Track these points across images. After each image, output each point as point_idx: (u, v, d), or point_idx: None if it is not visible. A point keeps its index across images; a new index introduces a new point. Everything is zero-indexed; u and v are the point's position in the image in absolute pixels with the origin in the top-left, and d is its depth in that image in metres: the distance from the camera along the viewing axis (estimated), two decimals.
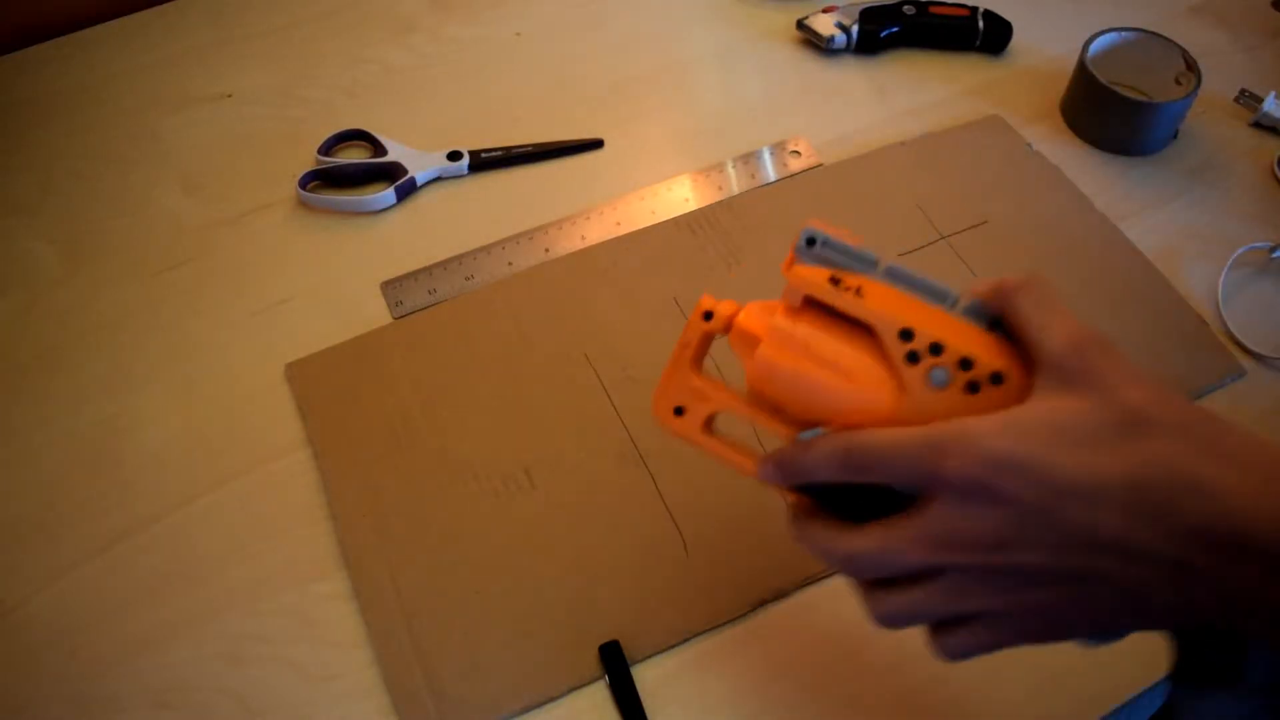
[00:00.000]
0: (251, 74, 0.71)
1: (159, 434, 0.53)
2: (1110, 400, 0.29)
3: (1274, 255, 0.60)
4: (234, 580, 0.48)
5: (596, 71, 0.71)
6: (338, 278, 0.59)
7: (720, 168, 0.65)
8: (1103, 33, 0.67)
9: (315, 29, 0.74)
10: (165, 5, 0.75)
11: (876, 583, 0.33)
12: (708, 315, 0.37)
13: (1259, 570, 0.28)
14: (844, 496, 0.34)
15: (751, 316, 0.36)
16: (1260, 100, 0.67)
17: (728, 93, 0.71)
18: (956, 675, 0.45)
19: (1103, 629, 0.32)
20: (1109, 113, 0.65)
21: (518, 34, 0.74)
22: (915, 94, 0.70)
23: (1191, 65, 0.65)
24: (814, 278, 0.34)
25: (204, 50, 0.72)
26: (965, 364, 0.32)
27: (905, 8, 0.72)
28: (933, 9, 0.72)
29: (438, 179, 0.65)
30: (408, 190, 0.63)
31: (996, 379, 0.31)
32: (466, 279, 0.59)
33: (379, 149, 0.65)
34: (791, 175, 0.65)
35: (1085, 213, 0.63)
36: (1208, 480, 0.28)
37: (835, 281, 0.34)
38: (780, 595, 0.48)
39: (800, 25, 0.73)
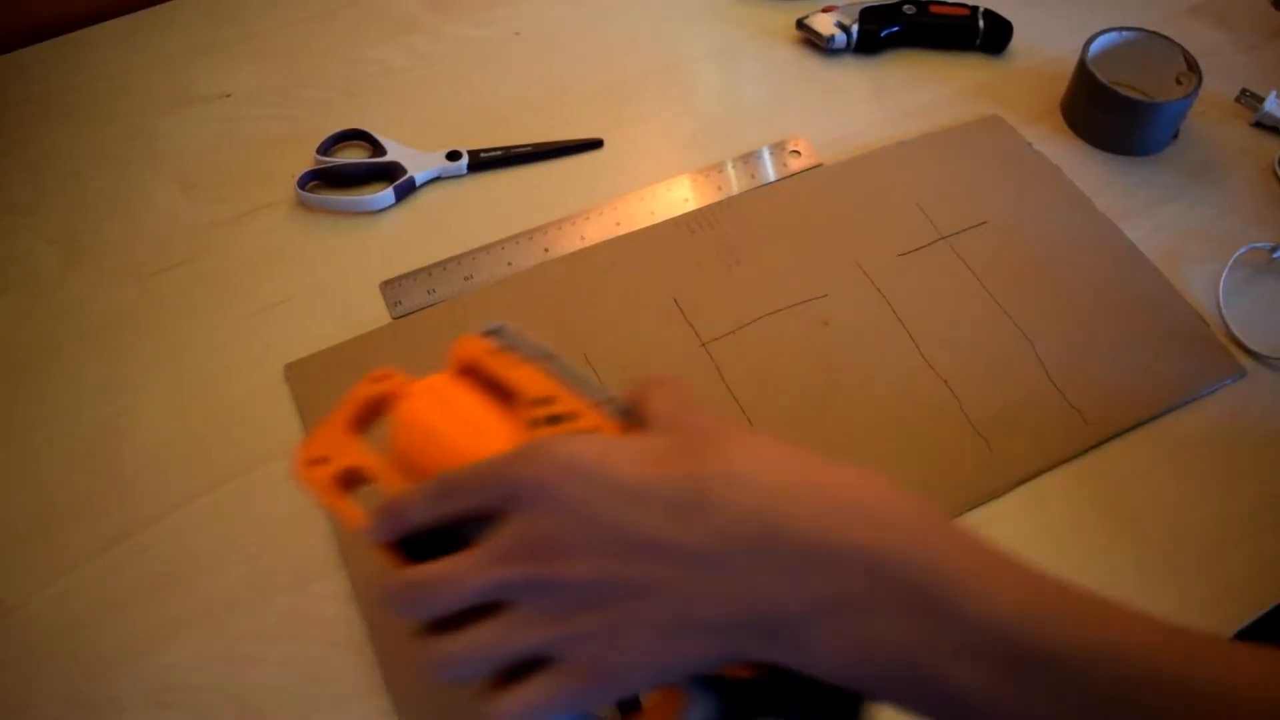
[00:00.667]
0: (250, 74, 0.71)
1: (158, 434, 0.53)
2: (677, 432, 0.31)
3: (1275, 255, 0.60)
4: (234, 580, 0.48)
5: (596, 71, 0.71)
6: (337, 278, 0.59)
7: (720, 168, 0.65)
8: (1103, 32, 0.67)
9: (314, 29, 0.74)
10: (163, 5, 0.75)
11: (440, 627, 0.31)
12: (376, 379, 0.37)
13: (790, 568, 0.28)
14: (441, 548, 0.32)
15: (419, 387, 0.36)
16: (1261, 100, 0.67)
17: (727, 92, 0.71)
18: None
19: (653, 667, 0.30)
20: (1109, 112, 0.65)
21: (517, 34, 0.74)
22: (915, 94, 0.70)
23: (1192, 65, 0.65)
24: (476, 346, 0.35)
25: (202, 50, 0.72)
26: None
27: (905, 7, 0.72)
28: (933, 8, 0.72)
29: (437, 179, 0.65)
30: (407, 190, 0.63)
31: None
32: (466, 279, 0.59)
33: (378, 149, 0.65)
34: (791, 175, 0.65)
35: (1086, 212, 0.63)
36: (743, 477, 0.29)
37: (497, 353, 0.35)
38: None
39: (800, 25, 0.73)
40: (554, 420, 0.33)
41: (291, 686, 0.45)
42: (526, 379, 0.34)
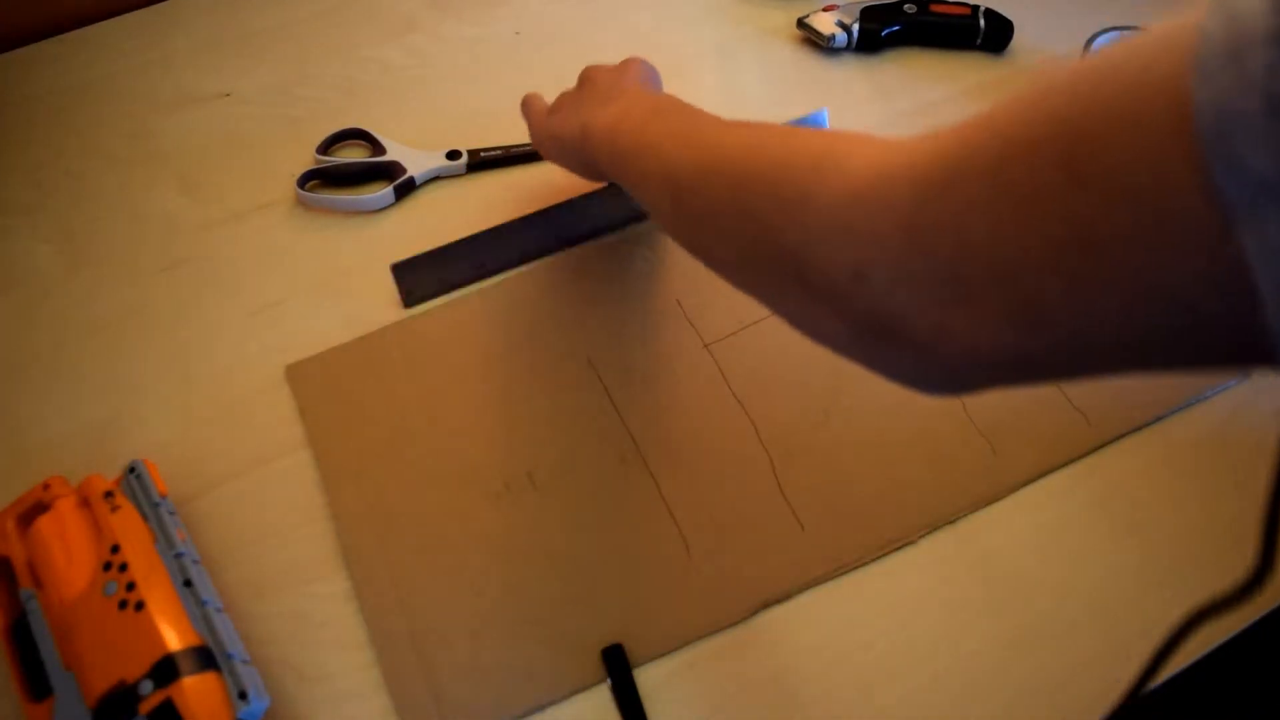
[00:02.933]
0: (250, 73, 0.70)
1: (159, 434, 0.52)
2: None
3: None
4: (234, 580, 0.48)
5: None
6: (337, 277, 0.59)
7: None
8: (1104, 31, 0.67)
9: (314, 27, 0.74)
10: (163, 4, 0.75)
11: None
12: (47, 486, 0.46)
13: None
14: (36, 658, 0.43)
15: (59, 505, 0.46)
16: None
17: (728, 92, 0.71)
18: (960, 677, 0.45)
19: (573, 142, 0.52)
20: None
21: (517, 33, 0.74)
22: (916, 93, 0.70)
23: None
24: (96, 487, 0.46)
25: (202, 49, 0.72)
26: (130, 587, 0.42)
27: (906, 6, 0.72)
28: (934, 7, 0.72)
29: (436, 178, 0.64)
30: (406, 189, 0.63)
31: (140, 606, 0.41)
32: None
33: (377, 148, 0.64)
34: None
35: None
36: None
37: (109, 495, 0.45)
38: (783, 598, 0.47)
39: (801, 24, 0.73)
40: (109, 568, 0.43)
41: (291, 687, 0.45)
42: (110, 525, 0.44)
